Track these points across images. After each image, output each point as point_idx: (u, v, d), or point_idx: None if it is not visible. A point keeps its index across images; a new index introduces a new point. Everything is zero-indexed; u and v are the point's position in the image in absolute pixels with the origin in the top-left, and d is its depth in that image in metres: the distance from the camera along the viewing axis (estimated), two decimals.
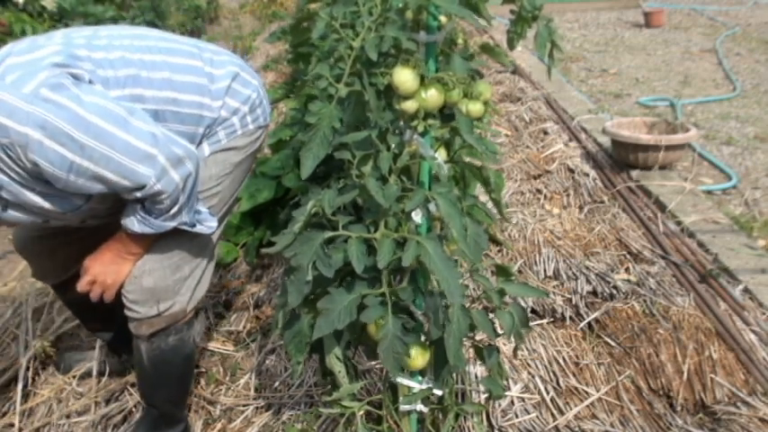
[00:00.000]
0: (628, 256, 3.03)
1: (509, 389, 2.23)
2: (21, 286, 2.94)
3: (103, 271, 1.76)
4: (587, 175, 3.90)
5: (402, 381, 1.64)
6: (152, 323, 1.83)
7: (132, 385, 2.30)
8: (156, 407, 2.00)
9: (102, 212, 1.75)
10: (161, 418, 2.01)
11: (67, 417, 2.21)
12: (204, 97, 1.75)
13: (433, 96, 1.41)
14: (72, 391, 2.31)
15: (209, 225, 1.78)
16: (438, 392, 1.65)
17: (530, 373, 2.32)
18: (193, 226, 1.74)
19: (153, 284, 1.79)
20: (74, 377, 2.36)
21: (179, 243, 1.80)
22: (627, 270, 2.91)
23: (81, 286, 1.76)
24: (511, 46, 1.58)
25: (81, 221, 1.77)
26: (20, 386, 2.27)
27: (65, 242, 1.99)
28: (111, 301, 1.80)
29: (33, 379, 2.36)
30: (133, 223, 1.67)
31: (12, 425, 2.16)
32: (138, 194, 1.57)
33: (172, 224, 1.68)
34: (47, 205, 1.58)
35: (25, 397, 2.28)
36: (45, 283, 2.18)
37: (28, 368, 2.36)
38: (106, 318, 2.22)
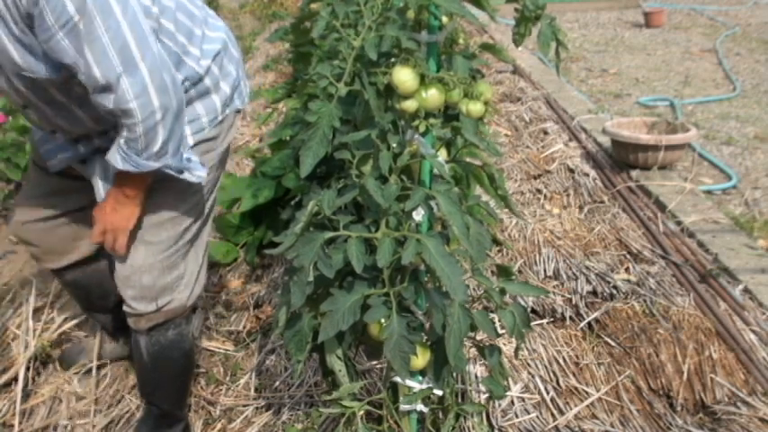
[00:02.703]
0: (628, 256, 3.03)
1: (509, 389, 2.23)
2: (21, 286, 2.94)
3: (109, 219, 1.72)
4: (587, 175, 3.90)
5: (402, 380, 1.64)
6: (150, 318, 1.84)
7: (133, 387, 2.30)
8: (156, 405, 1.99)
9: (77, 117, 1.69)
10: (162, 418, 2.01)
11: (69, 418, 2.20)
12: (193, 46, 1.71)
13: (433, 96, 1.41)
14: (73, 392, 2.31)
15: (198, 174, 1.70)
16: (438, 392, 1.65)
17: (530, 373, 2.32)
18: (181, 172, 1.67)
19: (152, 282, 1.79)
20: (75, 374, 2.36)
21: (174, 239, 1.80)
22: (627, 270, 2.91)
23: (93, 237, 1.74)
24: (517, 44, 1.58)
25: (54, 114, 1.68)
26: (20, 386, 2.27)
27: (64, 222, 1.99)
28: (123, 252, 1.76)
29: (33, 379, 2.36)
30: (116, 159, 1.60)
31: (12, 425, 2.16)
32: (109, 103, 1.49)
33: (155, 164, 1.60)
34: (20, 62, 1.49)
35: (25, 397, 2.28)
36: (44, 265, 2.15)
37: (28, 368, 2.36)
38: (103, 300, 2.21)
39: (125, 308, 1.84)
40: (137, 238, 1.76)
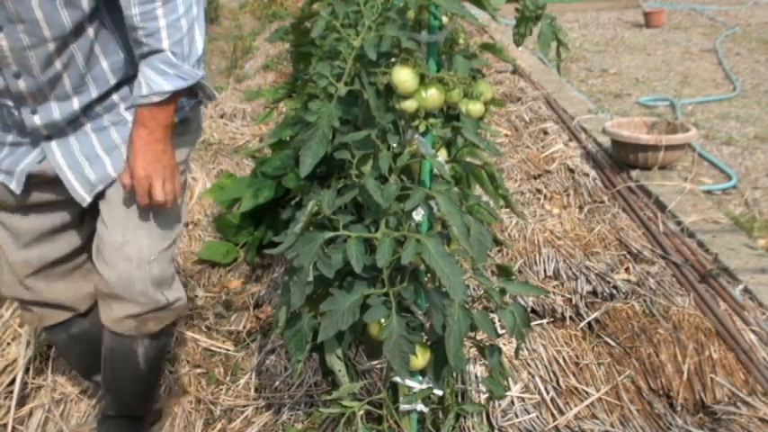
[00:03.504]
0: (628, 256, 3.03)
1: (509, 389, 2.23)
2: None
3: (150, 167, 1.56)
4: (587, 175, 3.90)
5: (402, 380, 1.64)
6: (160, 318, 1.73)
7: None
8: (135, 414, 1.93)
9: (89, 69, 1.56)
10: (138, 422, 1.96)
11: (67, 420, 2.20)
12: None
13: (433, 96, 1.41)
14: (73, 394, 2.31)
15: (211, 92, 1.62)
16: (438, 392, 1.65)
17: (530, 373, 2.32)
18: (206, 94, 1.60)
19: (159, 273, 1.68)
20: (74, 376, 2.36)
21: (172, 224, 1.71)
22: (627, 270, 2.91)
23: (142, 197, 1.58)
24: (517, 44, 1.59)
25: (58, 72, 1.53)
26: (17, 388, 2.27)
27: (61, 274, 1.82)
28: (173, 198, 1.62)
29: (33, 379, 2.36)
30: (158, 83, 1.48)
31: (13, 428, 2.16)
32: None
33: (200, 72, 1.51)
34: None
35: (25, 398, 2.28)
36: (40, 326, 1.95)
37: (28, 369, 2.36)
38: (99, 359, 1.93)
39: (129, 307, 1.68)
40: (140, 227, 1.65)
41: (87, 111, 1.62)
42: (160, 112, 1.53)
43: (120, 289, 1.66)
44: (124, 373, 1.81)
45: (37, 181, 1.66)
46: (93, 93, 1.60)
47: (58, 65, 1.52)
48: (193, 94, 1.62)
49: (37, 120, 1.58)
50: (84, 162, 1.64)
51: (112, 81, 1.61)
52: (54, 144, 1.63)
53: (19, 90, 1.53)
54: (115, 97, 1.65)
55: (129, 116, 1.65)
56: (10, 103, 1.57)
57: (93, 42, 1.54)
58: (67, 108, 1.59)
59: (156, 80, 1.49)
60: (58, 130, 1.62)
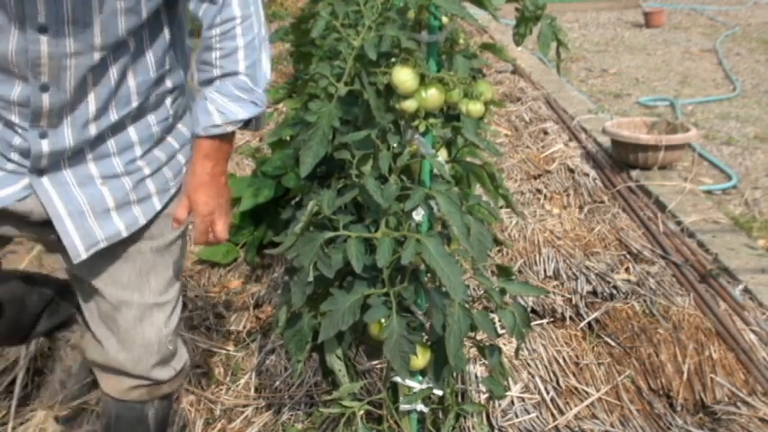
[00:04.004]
0: (628, 256, 3.03)
1: (509, 389, 2.23)
2: None
3: (213, 202, 1.44)
4: (587, 175, 3.90)
5: (402, 380, 1.64)
6: (172, 383, 1.61)
7: None
8: None
9: (117, 86, 1.35)
10: None
11: (66, 421, 2.20)
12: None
13: (433, 96, 1.41)
14: (71, 395, 2.31)
15: (262, 123, 1.48)
16: (438, 392, 1.65)
17: (530, 373, 2.32)
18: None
19: (173, 347, 1.56)
20: (74, 376, 2.36)
21: (177, 294, 1.58)
22: (627, 270, 2.91)
23: (202, 235, 1.46)
24: (517, 44, 1.59)
25: (88, 85, 1.32)
26: (17, 388, 2.26)
27: None
28: (226, 237, 1.49)
29: (33, 380, 2.36)
30: (235, 110, 1.36)
31: (13, 428, 2.16)
32: (229, 6, 1.31)
33: (265, 98, 1.41)
34: None
35: (25, 398, 2.28)
36: None
37: (28, 369, 2.36)
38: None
39: (135, 383, 1.55)
40: (151, 305, 1.50)
41: (99, 143, 1.39)
42: (226, 143, 1.42)
43: (132, 368, 1.53)
44: None
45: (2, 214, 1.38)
46: (113, 116, 1.38)
47: (91, 79, 1.32)
48: (246, 123, 1.43)
49: (45, 146, 1.33)
50: (90, 213, 1.39)
51: (135, 104, 1.40)
52: (47, 182, 1.36)
53: (40, 106, 1.29)
54: (133, 136, 1.43)
55: (147, 170, 1.45)
56: (17, 121, 1.31)
57: (130, 57, 1.36)
58: (83, 134, 1.36)
59: (230, 108, 1.38)
60: (56, 163, 1.36)
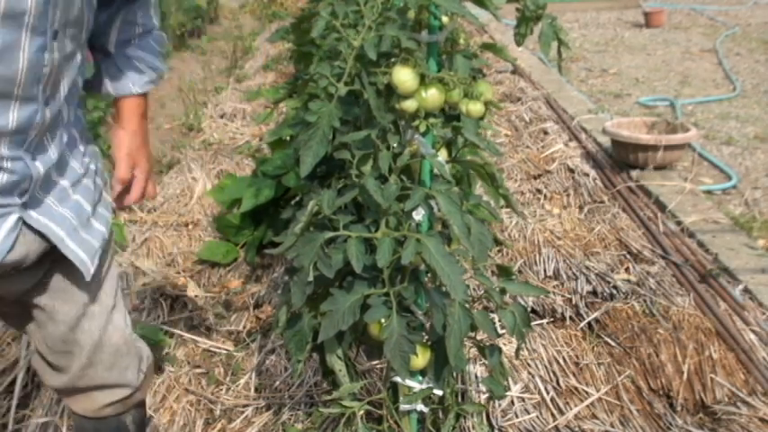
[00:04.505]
0: (628, 256, 3.03)
1: (509, 389, 2.23)
2: None
3: (151, 158, 1.48)
4: (587, 175, 3.90)
5: (403, 380, 1.64)
6: (143, 387, 1.54)
7: None
8: None
9: (60, 94, 1.22)
10: None
11: (67, 421, 2.20)
12: None
13: (433, 96, 1.41)
14: None
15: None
16: (438, 392, 1.65)
17: (530, 373, 2.32)
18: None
19: (140, 344, 1.52)
20: None
21: (117, 282, 1.49)
22: (627, 270, 2.91)
23: (149, 192, 1.48)
24: (518, 44, 1.59)
25: (50, 102, 1.18)
26: (17, 388, 2.27)
27: None
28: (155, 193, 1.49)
29: (33, 379, 2.36)
30: (158, 65, 1.41)
31: (13, 428, 2.16)
32: None
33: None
34: None
35: (25, 398, 2.28)
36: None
37: (28, 369, 2.36)
38: None
39: (110, 399, 1.47)
40: (110, 308, 1.42)
41: (66, 149, 1.29)
42: (146, 99, 1.46)
43: (106, 379, 1.45)
44: None
45: None
46: (73, 116, 1.31)
47: (69, 82, 1.24)
48: None
49: (40, 167, 1.19)
50: (79, 227, 1.30)
51: (78, 97, 1.34)
52: (34, 213, 1.22)
53: (42, 123, 1.17)
54: (75, 132, 1.33)
55: (92, 165, 1.37)
56: (6, 152, 1.13)
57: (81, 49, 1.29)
58: (60, 144, 1.25)
59: (156, 63, 1.41)
60: (33, 188, 1.21)
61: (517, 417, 2.13)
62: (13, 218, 1.17)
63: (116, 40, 1.40)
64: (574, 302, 2.69)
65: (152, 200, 1.52)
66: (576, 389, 2.27)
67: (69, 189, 1.29)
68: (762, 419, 2.09)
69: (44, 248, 1.25)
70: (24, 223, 1.20)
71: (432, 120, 1.43)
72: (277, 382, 2.31)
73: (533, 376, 2.30)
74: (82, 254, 1.29)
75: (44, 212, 1.23)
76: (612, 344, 2.47)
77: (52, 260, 1.29)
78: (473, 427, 2.02)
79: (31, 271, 1.28)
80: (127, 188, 1.46)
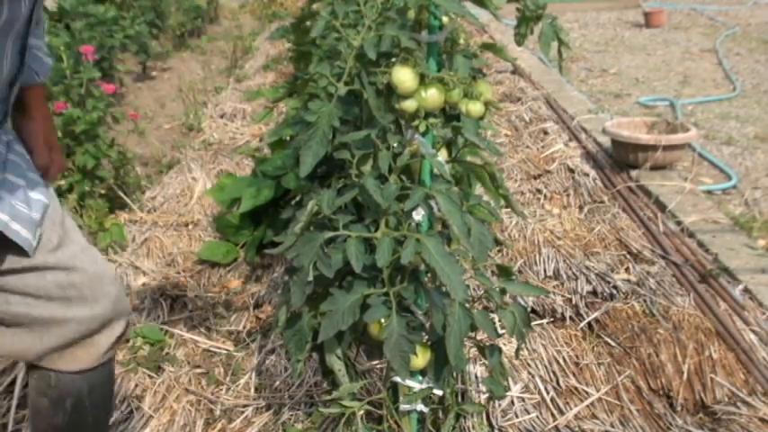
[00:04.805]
0: (628, 256, 3.03)
1: (509, 389, 2.23)
2: None
3: (54, 135, 1.56)
4: (587, 175, 3.90)
5: (402, 380, 1.64)
6: (127, 333, 1.53)
7: (135, 388, 2.30)
8: None
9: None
10: None
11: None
12: None
13: (433, 96, 1.41)
14: None
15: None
16: (438, 392, 1.65)
17: (530, 373, 2.32)
18: None
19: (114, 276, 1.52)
20: None
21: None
22: (627, 270, 2.91)
23: (57, 171, 1.52)
24: (519, 44, 1.59)
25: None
26: (17, 388, 2.26)
27: None
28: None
29: None
30: (48, 51, 1.48)
31: (13, 428, 2.16)
32: None
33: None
34: None
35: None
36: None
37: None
38: None
39: (110, 339, 1.48)
40: (87, 244, 1.47)
41: None
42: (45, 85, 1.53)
43: (114, 312, 1.48)
44: (98, 406, 1.56)
45: None
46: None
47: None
48: None
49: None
50: (16, 201, 1.33)
51: None
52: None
53: (5, 117, 1.35)
54: None
55: (11, 137, 1.42)
56: None
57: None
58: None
59: (47, 51, 1.48)
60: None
61: (517, 417, 2.13)
62: None
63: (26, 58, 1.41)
64: (574, 302, 2.69)
65: (62, 171, 1.62)
66: (576, 389, 2.27)
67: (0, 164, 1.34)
68: (762, 419, 2.09)
69: None
70: None
71: (432, 120, 1.44)
72: (277, 382, 2.31)
73: (533, 376, 2.30)
74: (25, 233, 1.32)
75: None
76: (612, 344, 2.47)
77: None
78: (473, 427, 2.02)
79: None
80: (45, 171, 1.50)
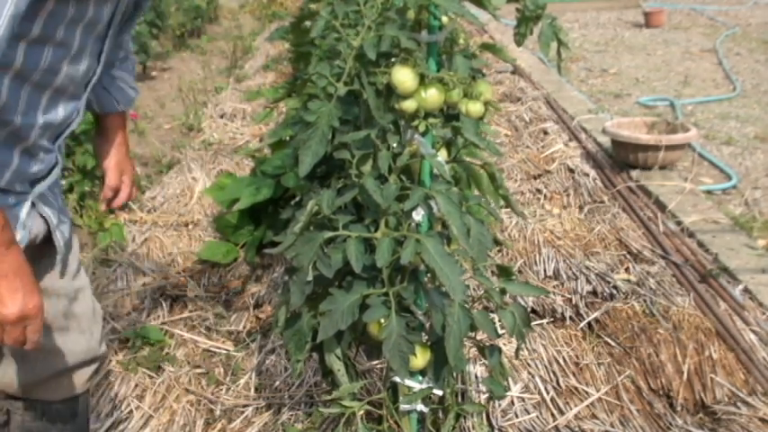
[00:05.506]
0: (628, 256, 3.03)
1: (509, 389, 2.23)
2: None
3: (129, 160, 1.65)
4: (587, 175, 3.90)
5: (402, 380, 1.64)
6: (106, 356, 1.59)
7: (135, 388, 2.30)
8: None
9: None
10: None
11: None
12: None
13: (432, 96, 1.41)
14: None
15: None
16: (438, 392, 1.65)
17: (530, 373, 2.32)
18: None
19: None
20: None
21: None
22: (627, 270, 2.91)
23: (126, 197, 1.62)
24: (518, 44, 1.59)
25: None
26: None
27: None
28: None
29: None
30: (135, 85, 1.58)
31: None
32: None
33: None
34: None
35: None
36: None
37: None
38: None
39: (90, 371, 1.51)
40: (88, 282, 1.50)
41: None
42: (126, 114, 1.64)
43: (100, 348, 1.52)
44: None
45: None
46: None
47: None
48: None
49: (60, 157, 1.37)
50: (59, 213, 1.38)
51: None
52: (38, 200, 1.32)
53: (77, 119, 1.37)
54: None
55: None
56: (46, 144, 1.28)
57: None
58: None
59: (133, 83, 1.57)
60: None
61: (517, 417, 2.13)
62: (29, 203, 1.29)
63: (104, 62, 1.42)
64: (574, 302, 2.69)
65: (132, 200, 1.73)
66: (576, 389, 2.27)
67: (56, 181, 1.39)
68: (762, 419, 2.09)
69: (45, 232, 1.32)
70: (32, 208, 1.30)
71: (431, 120, 1.43)
72: (277, 382, 2.31)
73: (533, 376, 2.30)
74: (61, 240, 1.36)
75: (43, 200, 1.33)
76: (612, 344, 2.47)
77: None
78: (473, 427, 2.02)
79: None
80: (115, 193, 1.63)
